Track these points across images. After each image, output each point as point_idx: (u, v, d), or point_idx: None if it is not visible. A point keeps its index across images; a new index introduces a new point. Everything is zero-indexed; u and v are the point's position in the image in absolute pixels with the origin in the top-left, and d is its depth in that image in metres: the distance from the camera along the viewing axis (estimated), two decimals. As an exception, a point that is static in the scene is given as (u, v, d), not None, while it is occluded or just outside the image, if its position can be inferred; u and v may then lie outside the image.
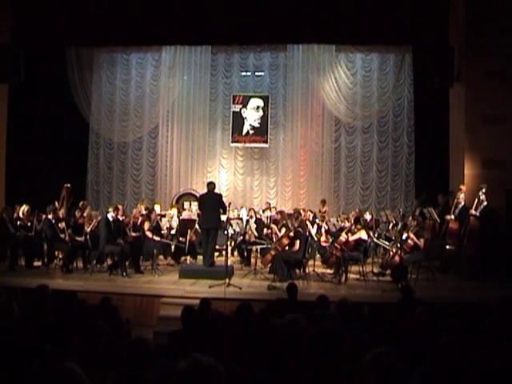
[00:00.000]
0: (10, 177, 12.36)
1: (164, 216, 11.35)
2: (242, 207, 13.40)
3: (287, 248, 9.35)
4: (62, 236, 9.88)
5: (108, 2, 11.49)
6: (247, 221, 11.49)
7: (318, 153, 14.56)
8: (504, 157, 10.19)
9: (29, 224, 10.29)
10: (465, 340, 3.33)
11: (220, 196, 9.75)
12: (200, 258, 10.49)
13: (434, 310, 4.59)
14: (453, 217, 9.94)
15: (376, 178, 14.33)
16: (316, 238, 10.24)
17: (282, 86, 14.72)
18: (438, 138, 12.31)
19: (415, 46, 12.88)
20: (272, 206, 13.23)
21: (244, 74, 14.91)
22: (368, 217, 11.63)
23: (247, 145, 14.73)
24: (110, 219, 9.65)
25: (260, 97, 14.64)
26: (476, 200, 9.56)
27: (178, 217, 11.29)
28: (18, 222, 10.30)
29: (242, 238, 11.18)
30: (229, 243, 10.66)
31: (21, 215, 10.42)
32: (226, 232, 9.77)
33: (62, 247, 9.91)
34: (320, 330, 3.29)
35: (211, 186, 9.72)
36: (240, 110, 14.60)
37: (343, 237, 9.51)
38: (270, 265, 9.56)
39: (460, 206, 9.96)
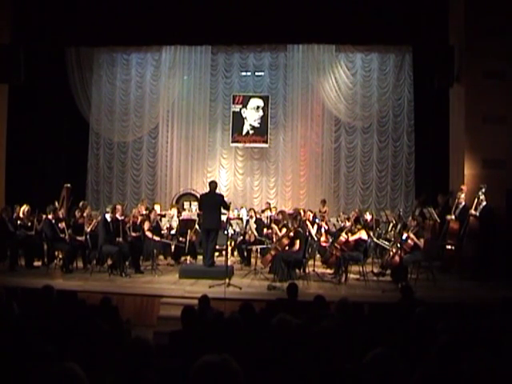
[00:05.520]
0: (9, 177, 12.36)
1: (164, 216, 11.36)
2: (241, 207, 13.40)
3: (287, 248, 9.35)
4: (62, 236, 9.87)
5: (108, 2, 11.49)
6: (247, 221, 11.49)
7: (317, 153, 14.57)
8: (504, 157, 10.19)
9: (29, 224, 10.29)
10: (465, 340, 3.33)
11: (222, 197, 9.71)
12: (200, 258, 10.49)
13: (433, 310, 4.59)
14: (453, 217, 9.93)
15: (376, 177, 14.33)
16: (316, 238, 10.24)
17: (282, 86, 14.72)
18: (438, 138, 12.30)
19: (415, 46, 12.88)
20: (272, 206, 13.22)
21: (244, 74, 14.90)
22: (368, 217, 11.62)
23: (247, 145, 14.73)
24: (108, 219, 9.66)
25: (260, 97, 14.64)
26: (475, 200, 9.56)
27: (178, 217, 11.29)
28: (18, 222, 10.31)
29: (241, 237, 11.19)
30: (229, 243, 10.66)
31: (21, 215, 10.43)
32: (225, 232, 9.77)
33: (62, 247, 9.90)
34: (320, 330, 3.29)
35: (213, 185, 9.66)
36: (240, 110, 14.59)
37: (343, 237, 9.51)
38: (269, 265, 9.56)
39: (461, 206, 9.95)
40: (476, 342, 3.46)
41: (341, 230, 10.11)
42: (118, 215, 9.81)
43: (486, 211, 9.46)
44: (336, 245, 9.66)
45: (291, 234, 9.34)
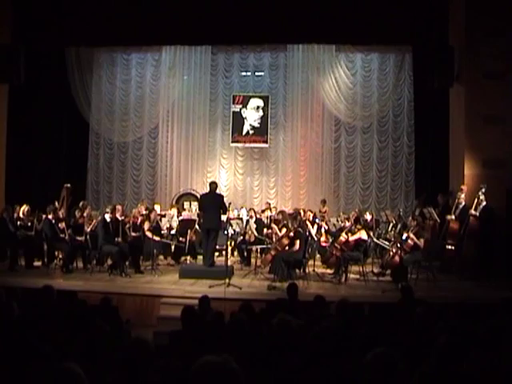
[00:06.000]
0: (9, 177, 12.36)
1: (164, 216, 11.35)
2: (241, 207, 13.39)
3: (287, 248, 9.34)
4: (62, 236, 9.87)
5: (108, 1, 11.49)
6: (247, 221, 11.49)
7: (318, 153, 14.56)
8: (504, 157, 10.19)
9: (29, 224, 10.29)
10: (465, 340, 3.33)
11: (221, 197, 9.72)
12: (200, 257, 10.49)
13: (433, 310, 4.59)
14: (453, 217, 9.93)
15: (376, 177, 14.33)
16: (316, 238, 10.24)
17: (282, 86, 14.72)
18: (438, 138, 12.29)
19: (415, 46, 12.87)
20: (272, 206, 13.22)
21: (244, 74, 14.90)
22: (368, 217, 11.62)
23: (247, 145, 14.73)
24: (108, 220, 9.66)
25: (260, 97, 14.64)
26: (475, 200, 9.56)
27: (178, 217, 11.29)
28: (18, 222, 10.31)
29: (242, 238, 11.18)
30: (229, 243, 10.66)
31: (21, 215, 10.43)
32: (226, 232, 9.77)
33: (61, 247, 9.90)
34: (320, 330, 3.29)
35: (213, 185, 9.70)
36: (240, 110, 14.59)
37: (343, 237, 9.51)
38: (270, 265, 9.56)
39: (460, 206, 9.95)
40: (476, 342, 3.46)
41: (341, 229, 10.10)
42: (117, 215, 9.82)
43: (486, 211, 9.46)
44: (336, 245, 9.66)
45: (291, 233, 9.34)
